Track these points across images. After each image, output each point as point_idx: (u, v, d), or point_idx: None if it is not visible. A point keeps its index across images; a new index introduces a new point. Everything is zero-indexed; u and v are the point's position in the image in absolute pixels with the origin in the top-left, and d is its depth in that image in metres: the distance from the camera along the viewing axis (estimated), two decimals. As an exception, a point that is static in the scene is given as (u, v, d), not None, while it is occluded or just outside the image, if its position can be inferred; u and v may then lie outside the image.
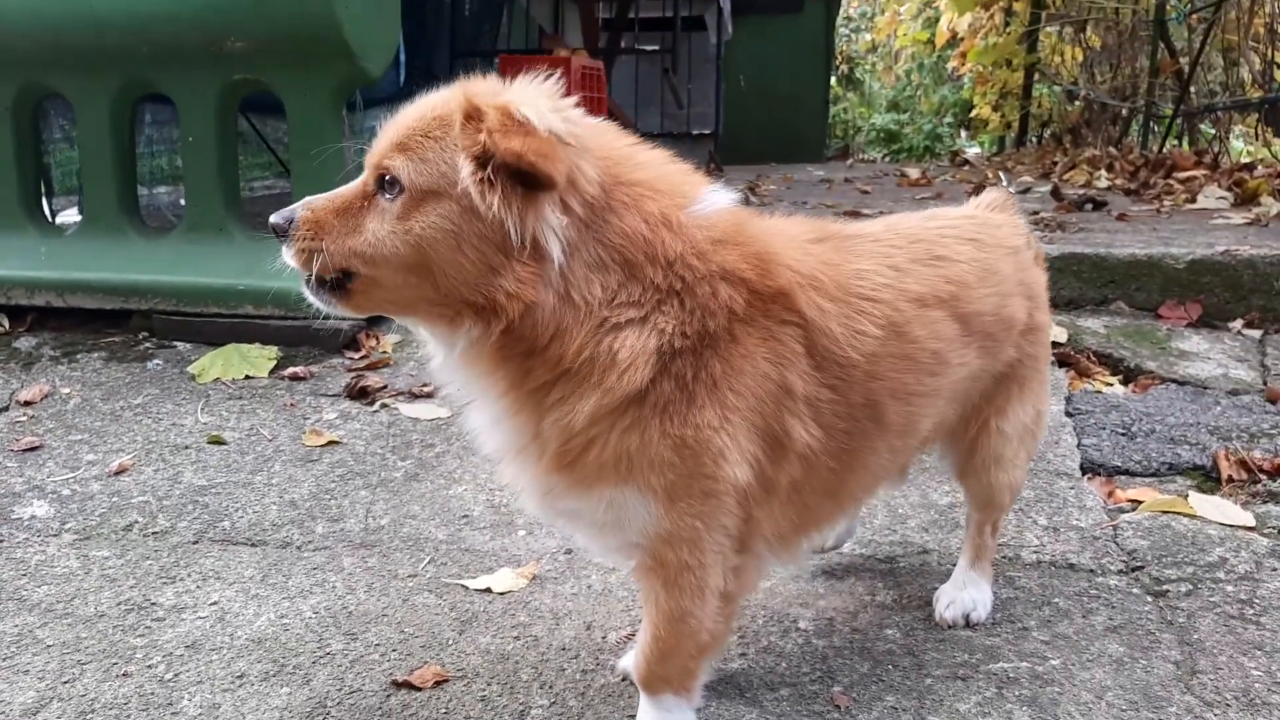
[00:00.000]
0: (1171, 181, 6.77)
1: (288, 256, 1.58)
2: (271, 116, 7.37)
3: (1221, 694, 1.93)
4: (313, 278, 1.57)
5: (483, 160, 1.43)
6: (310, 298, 1.61)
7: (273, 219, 1.58)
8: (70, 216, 5.60)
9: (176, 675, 2.03)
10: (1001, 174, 8.32)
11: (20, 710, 1.92)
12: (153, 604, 2.30)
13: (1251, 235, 4.67)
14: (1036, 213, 5.66)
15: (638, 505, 1.56)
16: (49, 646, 2.14)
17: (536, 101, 1.47)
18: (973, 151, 14.76)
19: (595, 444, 1.52)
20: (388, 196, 1.51)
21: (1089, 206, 5.89)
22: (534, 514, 1.71)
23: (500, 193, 1.43)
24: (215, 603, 2.30)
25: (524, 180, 1.42)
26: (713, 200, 1.60)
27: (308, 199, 1.59)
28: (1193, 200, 6.01)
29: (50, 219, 5.02)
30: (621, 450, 1.52)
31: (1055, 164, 8.97)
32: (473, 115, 1.46)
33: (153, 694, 1.97)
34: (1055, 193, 6.43)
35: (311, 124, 4.21)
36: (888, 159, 16.57)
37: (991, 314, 1.88)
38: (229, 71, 4.17)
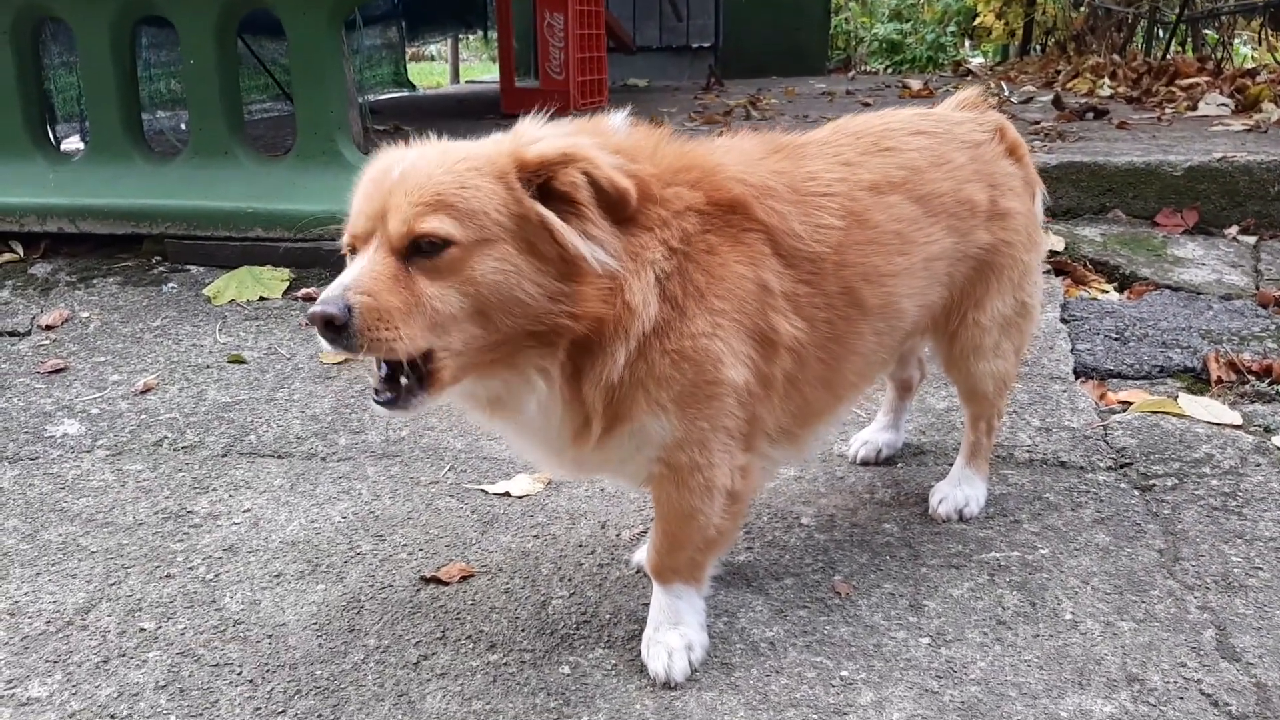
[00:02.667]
0: (1174, 89, 6.74)
1: (349, 351, 1.44)
2: (268, 37, 7.31)
3: (1202, 578, 2.05)
4: (386, 374, 1.51)
5: (569, 200, 1.53)
6: (385, 409, 1.52)
7: (325, 311, 1.41)
8: (74, 143, 5.61)
9: (217, 576, 2.16)
10: (1004, 84, 8.26)
11: (73, 609, 2.05)
12: (188, 512, 2.42)
13: (1250, 142, 4.69)
14: (1038, 122, 5.66)
15: (654, 424, 1.65)
16: (93, 553, 2.26)
17: (585, 141, 1.59)
18: (976, 61, 14.56)
19: (619, 386, 1.61)
20: (432, 259, 1.48)
21: (1090, 115, 5.88)
22: (564, 477, 1.83)
23: (591, 222, 1.54)
24: (248, 510, 2.42)
25: (612, 209, 1.55)
26: (615, 123, 1.72)
27: (345, 283, 1.45)
28: (1194, 107, 6.00)
29: (55, 145, 5.04)
30: (634, 380, 1.61)
31: (1059, 72, 8.89)
32: (531, 166, 1.54)
33: (196, 592, 2.10)
34: (1057, 101, 6.41)
35: (311, 44, 4.21)
36: (890, 70, 16.34)
37: (949, 194, 1.97)
38: (228, -9, 4.16)
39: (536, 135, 1.59)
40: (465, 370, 1.55)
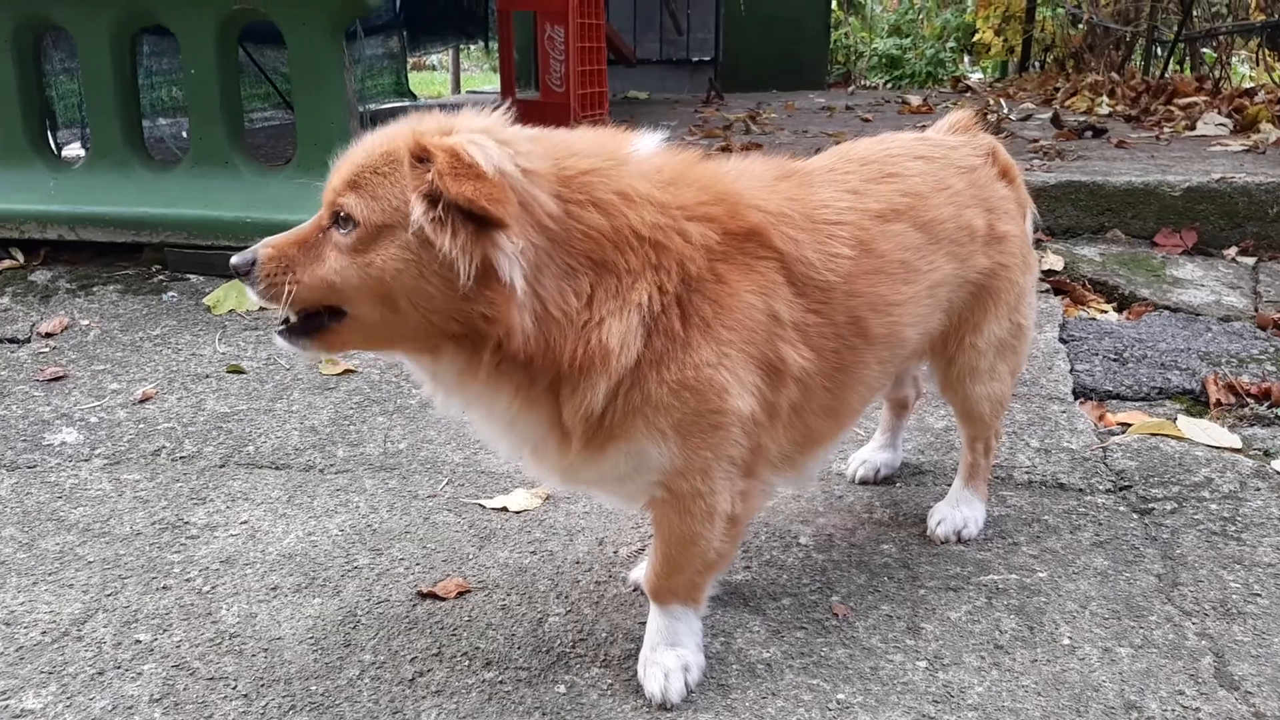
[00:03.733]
0: (1172, 108, 6.77)
1: (253, 295, 1.61)
2: (269, 46, 7.33)
3: (1200, 604, 2.04)
4: (287, 321, 1.62)
5: (433, 200, 1.46)
6: (282, 343, 1.65)
7: (234, 260, 1.60)
8: (74, 150, 5.62)
9: (213, 588, 2.15)
10: (1002, 101, 8.29)
11: (69, 620, 2.04)
12: (186, 523, 2.42)
13: (1249, 162, 4.71)
14: (1036, 140, 5.68)
15: (652, 449, 1.64)
16: (90, 563, 2.25)
17: (484, 141, 1.49)
18: (975, 77, 14.61)
19: (608, 412, 1.61)
20: (342, 231, 1.54)
21: (1089, 134, 5.91)
22: (557, 489, 1.81)
23: (451, 231, 1.46)
24: (245, 521, 2.42)
25: (476, 221, 1.46)
26: (645, 145, 1.68)
27: (265, 240, 1.61)
28: (1192, 127, 6.02)
29: (56, 153, 5.04)
30: (629, 408, 1.60)
31: (1057, 90, 8.92)
32: (421, 156, 1.49)
33: (192, 604, 2.09)
34: (1055, 120, 6.44)
35: (311, 54, 4.21)
36: (890, 85, 16.39)
37: (950, 221, 1.98)
38: (228, 1, 4.17)
39: (439, 125, 1.55)
40: (373, 342, 1.67)
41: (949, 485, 2.42)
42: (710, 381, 1.61)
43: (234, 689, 1.84)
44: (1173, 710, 1.74)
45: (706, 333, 1.61)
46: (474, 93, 13.99)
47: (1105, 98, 7.74)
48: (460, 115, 1.59)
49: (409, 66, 11.77)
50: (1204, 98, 7.04)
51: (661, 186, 1.62)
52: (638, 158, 1.64)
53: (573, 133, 1.67)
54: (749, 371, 1.65)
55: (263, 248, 1.59)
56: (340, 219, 1.55)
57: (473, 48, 14.84)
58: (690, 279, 1.60)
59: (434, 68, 22.29)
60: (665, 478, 1.68)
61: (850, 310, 1.80)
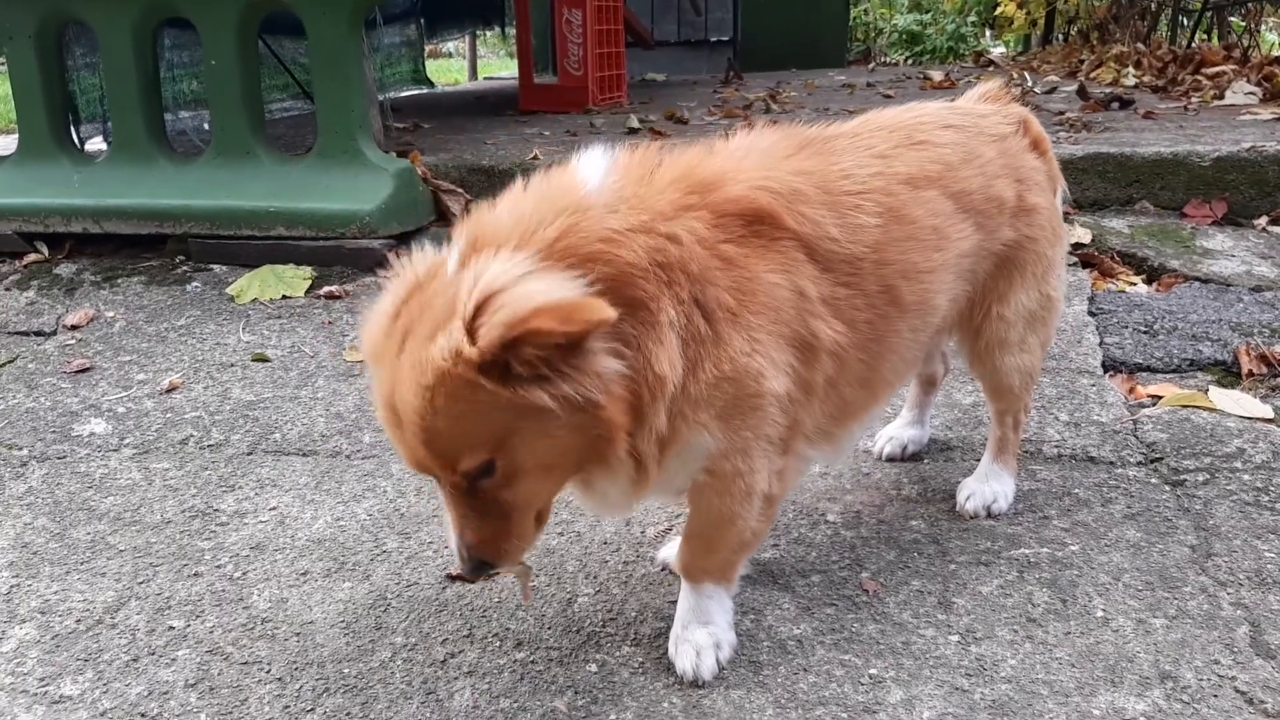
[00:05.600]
0: (1200, 77, 6.66)
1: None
2: (288, 37, 7.34)
3: (1235, 574, 2.02)
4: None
5: (540, 374, 1.36)
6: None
7: (466, 575, 1.64)
8: (97, 144, 5.66)
9: (244, 574, 2.17)
10: (1026, 74, 8.18)
11: (102, 608, 2.06)
12: (215, 510, 2.44)
13: (1279, 131, 4.63)
14: (1062, 112, 5.60)
15: (698, 441, 1.61)
16: (121, 551, 2.27)
17: (524, 286, 1.36)
18: (997, 51, 14.44)
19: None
20: (487, 480, 1.47)
21: (1115, 105, 5.82)
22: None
23: (558, 376, 1.37)
24: (274, 508, 2.43)
25: (569, 347, 1.35)
26: (593, 171, 1.57)
27: (455, 544, 1.55)
28: (1221, 96, 5.92)
29: (80, 147, 5.08)
30: (676, 414, 1.56)
31: (1082, 62, 8.80)
32: (496, 351, 1.33)
33: (224, 590, 2.11)
34: (1081, 91, 6.35)
35: (331, 43, 4.22)
36: (910, 62, 16.23)
37: (979, 192, 1.94)
38: (249, -8, 4.18)
39: (475, 319, 1.35)
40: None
41: (977, 461, 2.39)
42: (746, 369, 1.58)
43: (268, 673, 1.85)
44: (1208, 679, 1.72)
45: (734, 323, 1.57)
46: (491, 79, 13.97)
47: (1131, 69, 7.62)
48: (479, 284, 1.38)
49: (426, 54, 11.78)
50: (1232, 66, 6.92)
51: (631, 204, 1.53)
52: (594, 191, 1.54)
53: (512, 200, 1.54)
54: (781, 351, 1.62)
55: (471, 550, 1.54)
56: (475, 477, 1.46)
57: (489, 33, 14.81)
58: (696, 278, 1.54)
59: (450, 55, 22.29)
60: (709, 461, 1.66)
61: (882, 279, 1.76)
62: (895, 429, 2.60)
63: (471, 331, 1.34)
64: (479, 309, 1.34)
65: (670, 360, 1.51)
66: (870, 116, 2.00)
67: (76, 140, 5.12)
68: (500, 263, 1.39)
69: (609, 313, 1.33)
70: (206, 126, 5.11)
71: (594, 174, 1.57)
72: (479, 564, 1.56)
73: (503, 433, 1.42)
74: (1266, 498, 2.29)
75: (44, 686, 1.83)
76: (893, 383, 1.98)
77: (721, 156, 1.73)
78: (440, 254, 1.53)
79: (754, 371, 1.58)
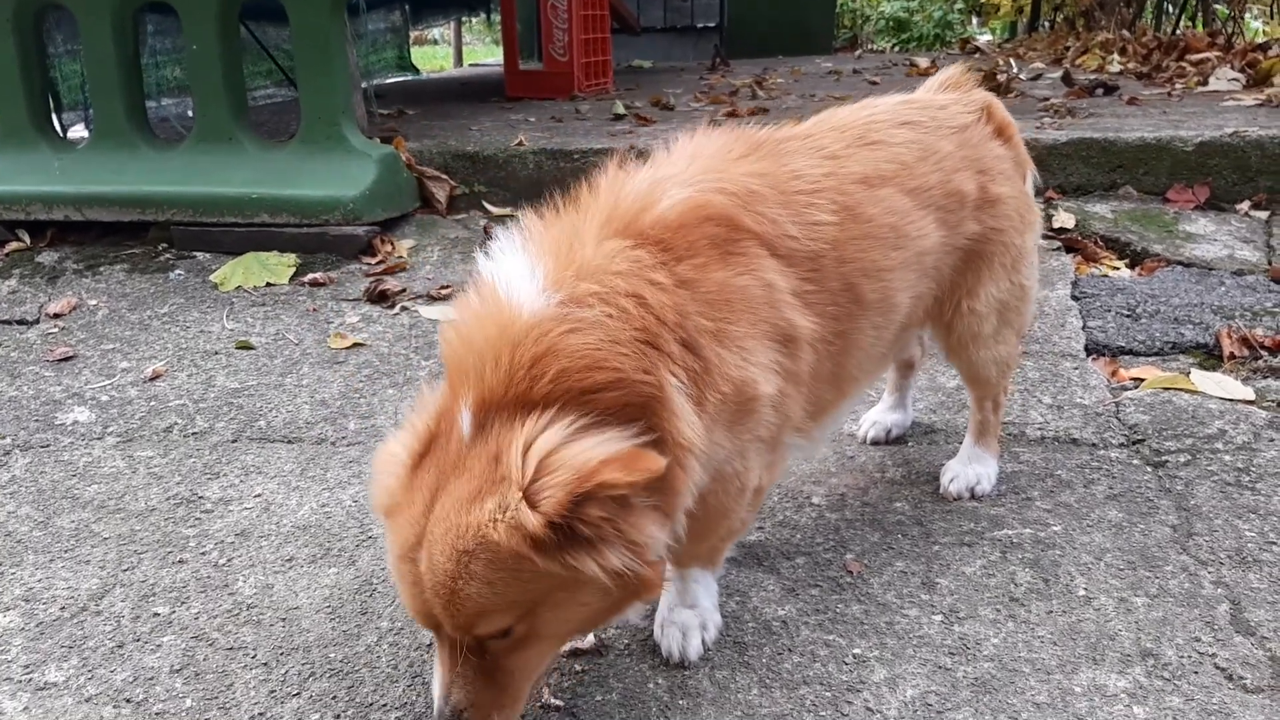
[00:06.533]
0: (1184, 64, 6.69)
1: None
2: (270, 23, 7.30)
3: (1215, 553, 2.04)
4: None
5: (599, 537, 1.33)
6: None
7: None
8: (79, 131, 5.62)
9: (229, 560, 2.16)
10: (1012, 61, 8.20)
11: (87, 595, 2.06)
12: (200, 498, 2.43)
13: (1262, 116, 4.65)
14: (1047, 99, 5.62)
15: (714, 453, 1.59)
16: (106, 539, 2.27)
17: (577, 445, 1.33)
18: (984, 39, 14.47)
19: None
20: (500, 641, 1.43)
21: (1100, 91, 5.84)
22: None
23: (602, 538, 1.34)
24: (259, 495, 2.43)
25: (618, 500, 1.33)
26: (510, 272, 1.47)
27: (442, 696, 1.46)
28: (1204, 83, 5.95)
29: (61, 134, 5.04)
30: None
31: (1068, 49, 8.82)
32: (564, 512, 1.30)
33: (209, 577, 2.10)
34: (1066, 78, 6.37)
35: (314, 29, 4.19)
36: (897, 49, 16.24)
37: (938, 188, 1.92)
38: (230, -24, 4.15)
39: (533, 483, 1.31)
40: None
41: (961, 444, 2.41)
42: (742, 381, 1.56)
43: (253, 658, 1.85)
44: (1189, 657, 1.74)
45: (719, 340, 1.54)
46: (476, 65, 13.91)
47: (1116, 55, 7.65)
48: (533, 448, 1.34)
49: (411, 40, 11.71)
50: (1216, 53, 6.95)
51: (574, 289, 1.44)
52: (523, 304, 1.43)
53: (471, 352, 1.43)
54: (766, 350, 1.61)
55: (455, 714, 1.45)
56: (489, 641, 1.43)
57: (474, 20, 14.74)
58: (676, 325, 1.48)
59: (435, 42, 22.17)
60: (714, 467, 1.65)
61: (843, 277, 1.75)
62: (878, 413, 2.61)
63: (531, 497, 1.30)
64: (538, 472, 1.31)
65: (689, 422, 1.46)
66: (824, 117, 1.97)
67: (58, 127, 5.08)
68: (543, 424, 1.35)
69: (661, 461, 1.32)
70: (190, 114, 5.08)
71: (522, 287, 1.45)
72: (457, 715, 1.45)
73: (533, 602, 1.39)
74: (1247, 478, 2.30)
75: (28, 674, 1.83)
76: (860, 380, 1.96)
77: (657, 166, 1.68)
78: (438, 397, 1.49)
79: (749, 381, 1.57)
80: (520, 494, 1.30)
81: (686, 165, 1.69)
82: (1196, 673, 1.70)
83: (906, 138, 1.94)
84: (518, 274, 1.47)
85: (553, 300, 1.43)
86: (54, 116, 5.00)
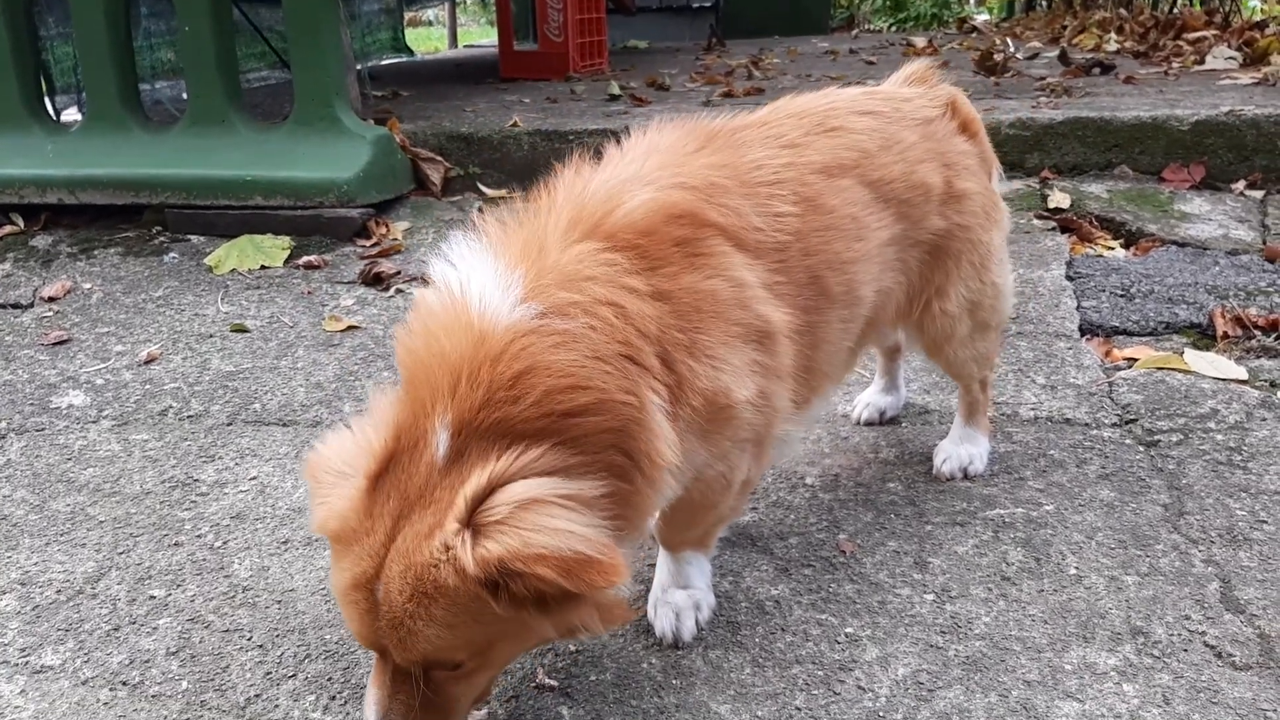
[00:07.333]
0: (1181, 43, 6.66)
1: None
2: (264, 5, 7.25)
3: (1207, 532, 2.05)
4: None
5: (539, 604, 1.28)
6: None
7: None
8: (73, 115, 5.59)
9: (225, 543, 2.17)
10: (1009, 40, 8.16)
11: (83, 578, 2.06)
12: (195, 480, 2.43)
13: (1258, 95, 4.63)
14: (1043, 78, 5.60)
15: (689, 461, 1.57)
16: (101, 522, 2.27)
17: (539, 518, 1.25)
18: (981, 18, 14.40)
19: None
20: (450, 670, 1.40)
21: (1097, 70, 5.82)
22: None
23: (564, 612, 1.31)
24: (254, 478, 2.43)
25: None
26: (477, 281, 1.40)
27: (378, 716, 1.41)
28: (1201, 61, 5.92)
29: (55, 117, 5.02)
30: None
31: (1065, 28, 8.78)
32: (491, 574, 1.24)
33: (204, 560, 2.11)
34: (1063, 57, 6.34)
35: (307, 10, 4.17)
36: (894, 29, 16.16)
37: (900, 180, 1.88)
38: (222, -43, 4.12)
39: (481, 530, 1.26)
40: None
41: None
42: (714, 391, 1.52)
43: (249, 640, 1.86)
44: (1179, 634, 1.75)
45: (693, 354, 1.49)
46: (471, 46, 13.84)
47: (1113, 34, 7.62)
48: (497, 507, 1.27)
49: (405, 22, 11.65)
50: (1213, 32, 6.92)
51: (551, 297, 1.39)
52: (499, 314, 1.37)
53: (442, 364, 1.36)
54: (740, 353, 1.56)
55: None
56: (436, 671, 1.39)
57: (469, 1, 14.65)
58: (656, 338, 1.44)
59: (430, 23, 22.04)
60: (695, 471, 1.63)
61: (809, 269, 1.71)
62: (871, 395, 2.62)
63: (477, 545, 1.24)
64: (493, 520, 1.25)
65: (669, 442, 1.43)
66: (781, 104, 1.92)
67: (51, 111, 5.06)
68: (518, 465, 1.29)
69: (621, 576, 1.24)
70: (184, 97, 5.05)
71: (492, 297, 1.38)
72: None
73: (490, 640, 1.36)
74: (1239, 457, 2.31)
75: (25, 657, 1.84)
76: (830, 375, 1.92)
77: (614, 165, 1.64)
78: (395, 408, 1.39)
79: (720, 390, 1.53)
80: (467, 535, 1.24)
81: (643, 162, 1.63)
82: (1186, 650, 1.72)
83: (868, 125, 1.89)
84: (488, 281, 1.39)
85: (531, 311, 1.36)
86: (47, 99, 4.98)
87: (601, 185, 1.57)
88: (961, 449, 2.31)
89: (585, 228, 1.48)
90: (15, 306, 3.67)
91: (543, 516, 1.25)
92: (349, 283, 3.73)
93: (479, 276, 1.41)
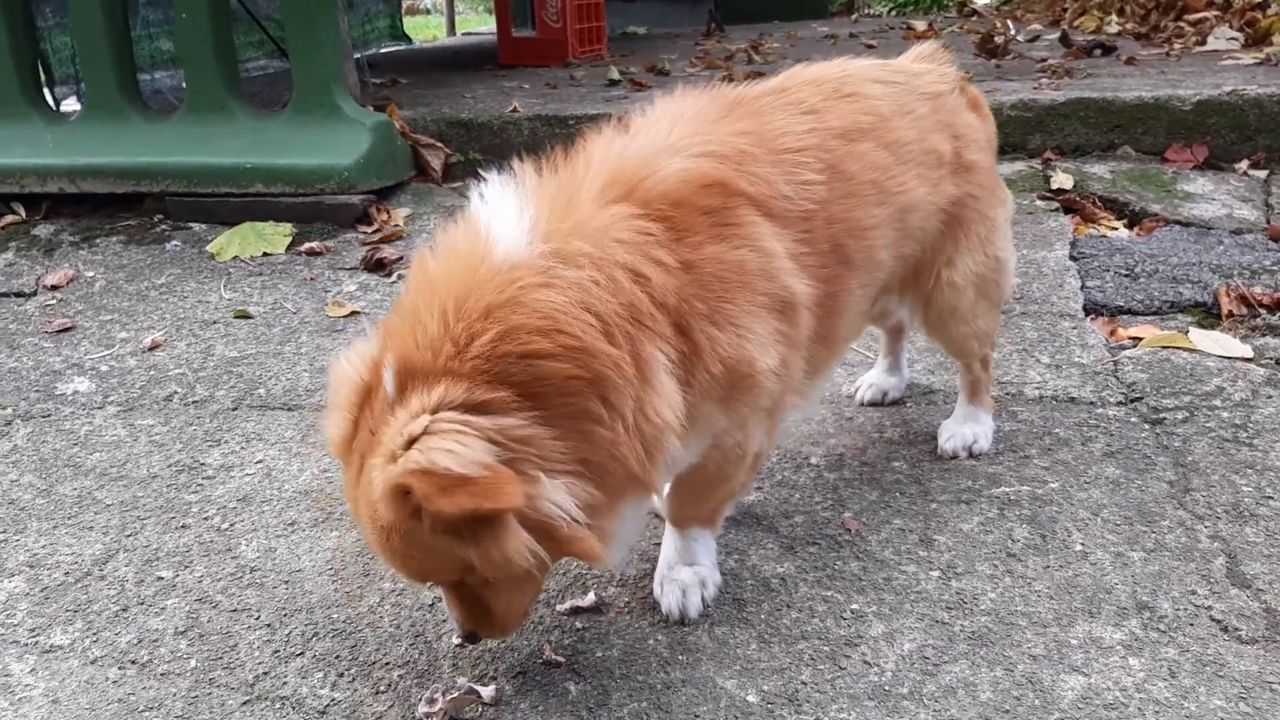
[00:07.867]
0: (1182, 24, 6.63)
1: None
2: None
3: (1212, 508, 2.05)
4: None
5: (451, 529, 1.32)
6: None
7: (461, 640, 1.67)
8: (72, 104, 5.58)
9: (232, 525, 2.18)
10: (1010, 23, 8.13)
11: (91, 560, 2.07)
12: (201, 464, 2.44)
13: (1260, 75, 4.62)
14: (1044, 60, 5.58)
15: (707, 426, 1.59)
16: (108, 506, 2.28)
17: (446, 443, 1.29)
18: (982, 1, 14.33)
19: None
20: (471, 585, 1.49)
21: (1098, 52, 5.79)
22: None
23: (478, 541, 1.33)
24: (260, 461, 2.44)
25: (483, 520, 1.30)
26: (499, 219, 1.44)
27: (457, 623, 1.59)
28: (1203, 42, 5.90)
29: (55, 107, 5.01)
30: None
31: (1065, 10, 8.73)
32: (412, 497, 1.30)
33: (211, 542, 2.12)
34: (1064, 39, 6.31)
35: (307, -3, 4.15)
36: (894, 12, 16.09)
37: (915, 143, 1.90)
38: (220, -56, 4.11)
39: (391, 458, 1.32)
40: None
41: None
42: (737, 360, 1.54)
43: (257, 619, 1.87)
44: (1185, 609, 1.75)
45: (714, 322, 1.51)
46: (469, 34, 13.80)
47: (1114, 16, 7.58)
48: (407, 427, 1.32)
49: (403, 10, 11.61)
50: (1215, 13, 6.88)
51: (567, 245, 1.40)
52: (508, 253, 1.39)
53: (427, 292, 1.40)
54: (765, 323, 1.58)
55: (461, 626, 1.60)
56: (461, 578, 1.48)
57: (468, -11, 14.58)
58: (675, 310, 1.45)
59: (428, 11, 21.97)
60: (714, 438, 1.65)
61: (832, 237, 1.73)
62: (875, 376, 2.62)
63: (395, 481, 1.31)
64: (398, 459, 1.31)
65: (671, 403, 1.44)
66: (796, 71, 1.93)
67: (51, 101, 5.05)
68: (434, 400, 1.32)
69: (503, 499, 1.26)
70: (183, 86, 5.04)
71: (506, 227, 1.41)
72: (471, 635, 1.62)
73: (463, 565, 1.39)
74: (1244, 434, 2.31)
75: (34, 637, 1.85)
76: (847, 340, 1.98)
77: (645, 133, 1.64)
78: (374, 343, 1.46)
79: (746, 357, 1.54)
80: (393, 474, 1.30)
81: (670, 130, 1.64)
82: (1192, 624, 1.72)
83: (883, 92, 1.91)
84: (509, 217, 1.43)
85: (538, 250, 1.38)
86: (46, 89, 4.96)
87: (638, 151, 1.58)
88: (966, 428, 2.31)
89: (621, 189, 1.50)
90: (19, 295, 3.67)
91: (433, 440, 1.29)
92: (351, 269, 3.73)
93: (501, 211, 1.45)
